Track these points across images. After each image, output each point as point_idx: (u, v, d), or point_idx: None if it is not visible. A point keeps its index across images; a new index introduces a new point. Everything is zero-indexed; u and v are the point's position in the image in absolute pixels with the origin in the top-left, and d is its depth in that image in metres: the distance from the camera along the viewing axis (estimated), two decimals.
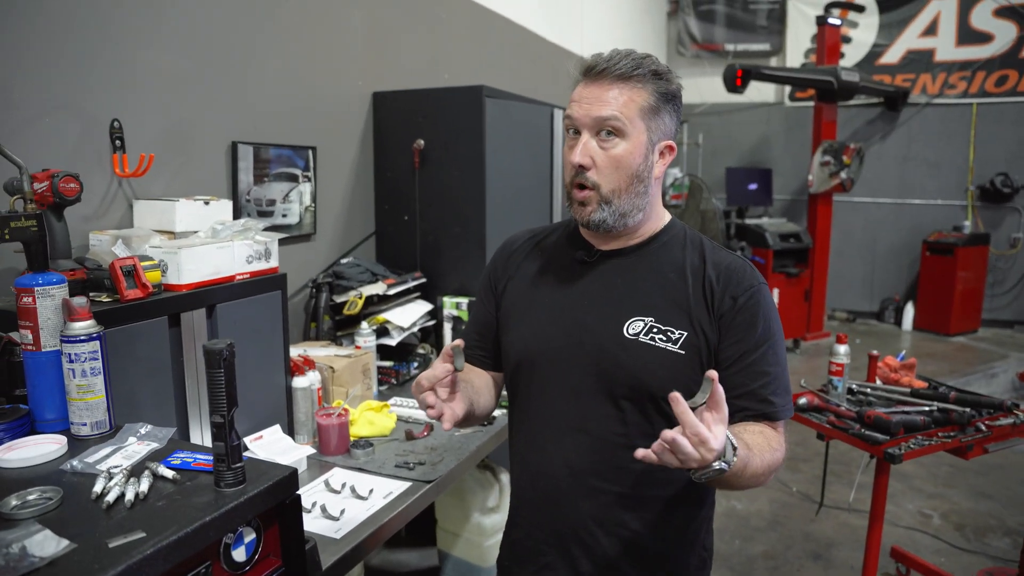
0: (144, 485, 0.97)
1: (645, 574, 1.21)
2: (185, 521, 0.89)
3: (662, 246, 1.21)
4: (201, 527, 0.90)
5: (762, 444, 1.08)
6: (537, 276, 1.28)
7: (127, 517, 0.91)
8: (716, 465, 0.92)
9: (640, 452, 0.94)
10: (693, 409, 0.91)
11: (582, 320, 1.18)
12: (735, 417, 1.12)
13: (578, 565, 1.21)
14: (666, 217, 1.25)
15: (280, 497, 1.04)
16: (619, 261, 1.21)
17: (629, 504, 1.18)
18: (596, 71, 1.12)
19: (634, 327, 1.15)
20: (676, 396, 0.88)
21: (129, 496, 0.95)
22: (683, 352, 1.12)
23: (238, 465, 0.99)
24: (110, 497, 0.94)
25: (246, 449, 1.71)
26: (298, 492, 1.07)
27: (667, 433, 0.88)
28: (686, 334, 1.13)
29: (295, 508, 1.07)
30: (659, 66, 1.13)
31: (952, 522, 3.25)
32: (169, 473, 1.02)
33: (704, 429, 0.88)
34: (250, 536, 1.00)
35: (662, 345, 1.13)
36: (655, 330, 1.14)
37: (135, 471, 1.02)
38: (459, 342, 1.11)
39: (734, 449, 0.96)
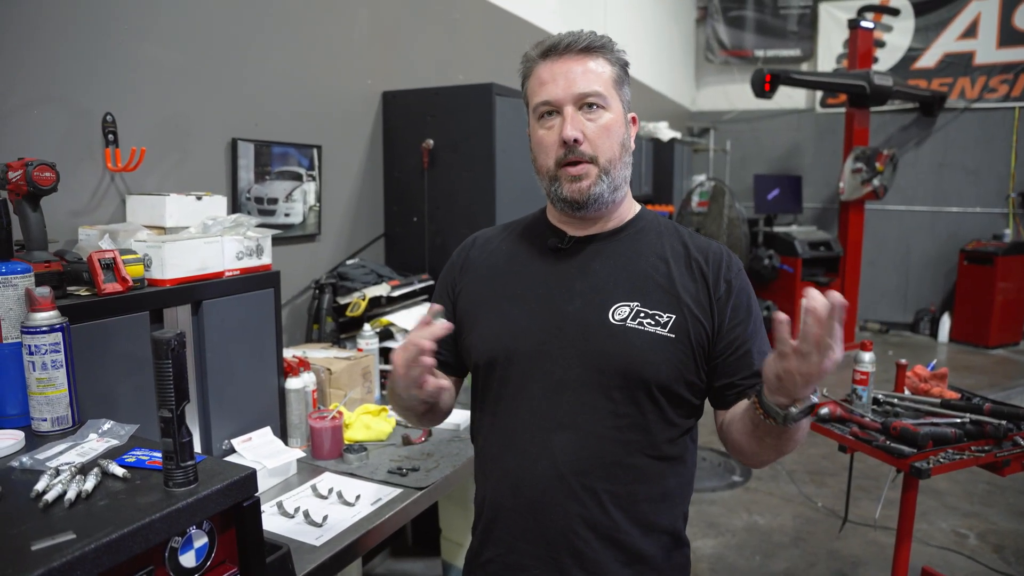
0: (90, 483, 0.91)
1: None
2: (122, 522, 0.83)
3: (638, 231, 1.18)
4: (140, 529, 0.84)
5: None
6: (503, 270, 1.21)
7: (64, 517, 0.85)
8: (814, 397, 0.93)
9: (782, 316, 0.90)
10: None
11: (562, 309, 1.12)
12: (750, 394, 1.10)
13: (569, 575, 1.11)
14: (637, 205, 1.23)
15: (236, 498, 0.97)
16: (596, 247, 1.16)
17: (621, 503, 1.10)
18: (561, 48, 1.10)
19: (620, 312, 1.10)
20: (810, 290, 0.87)
21: (71, 495, 0.89)
22: (673, 336, 1.09)
23: (188, 463, 0.92)
24: (50, 496, 0.88)
25: (233, 451, 1.66)
26: (257, 494, 1.00)
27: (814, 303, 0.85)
28: (674, 317, 1.09)
29: (254, 511, 1.00)
30: (610, 40, 1.14)
31: (990, 543, 3.06)
32: (120, 471, 0.96)
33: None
34: (201, 540, 0.94)
35: (651, 329, 1.09)
36: (642, 314, 1.09)
37: (84, 469, 0.96)
38: (438, 307, 1.08)
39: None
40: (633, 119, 1.18)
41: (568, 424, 1.10)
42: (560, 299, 1.13)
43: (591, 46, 1.10)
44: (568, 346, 1.10)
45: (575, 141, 1.08)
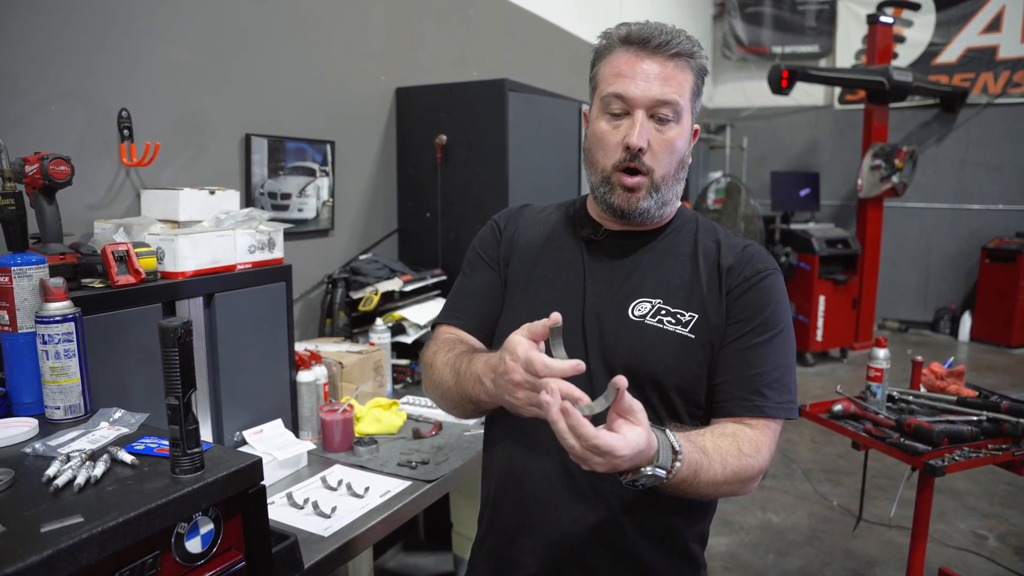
0: (99, 469, 0.93)
1: None
2: (129, 506, 0.84)
3: (674, 229, 1.14)
4: (146, 513, 0.85)
5: (727, 448, 0.95)
6: (538, 254, 1.17)
7: (73, 501, 0.87)
8: (648, 470, 0.83)
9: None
10: (591, 419, 0.79)
11: (584, 301, 1.09)
12: (717, 409, 1.04)
13: None
14: (678, 203, 1.17)
15: (242, 486, 0.98)
16: (627, 242, 1.13)
17: (630, 509, 1.05)
18: (652, 44, 1.03)
19: (640, 308, 1.06)
20: (567, 407, 0.78)
21: (80, 480, 0.90)
22: (693, 336, 1.04)
23: (194, 450, 0.93)
24: (60, 481, 0.90)
25: (245, 443, 1.67)
26: (262, 482, 1.01)
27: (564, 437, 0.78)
28: (697, 316, 1.05)
29: (259, 499, 1.01)
30: (699, 45, 1.08)
31: (1011, 545, 3.01)
32: (128, 458, 0.97)
33: (603, 437, 0.78)
34: (207, 527, 0.95)
35: (671, 328, 1.04)
36: (663, 312, 1.06)
37: (94, 455, 0.97)
38: (557, 319, 0.86)
39: (675, 453, 0.86)
40: (695, 131, 1.13)
41: None
42: (584, 290, 1.10)
43: (681, 51, 1.04)
44: (583, 339, 1.07)
45: (640, 150, 1.03)
